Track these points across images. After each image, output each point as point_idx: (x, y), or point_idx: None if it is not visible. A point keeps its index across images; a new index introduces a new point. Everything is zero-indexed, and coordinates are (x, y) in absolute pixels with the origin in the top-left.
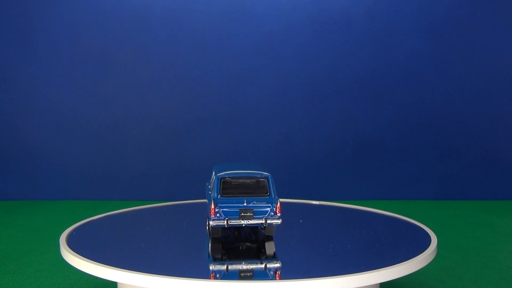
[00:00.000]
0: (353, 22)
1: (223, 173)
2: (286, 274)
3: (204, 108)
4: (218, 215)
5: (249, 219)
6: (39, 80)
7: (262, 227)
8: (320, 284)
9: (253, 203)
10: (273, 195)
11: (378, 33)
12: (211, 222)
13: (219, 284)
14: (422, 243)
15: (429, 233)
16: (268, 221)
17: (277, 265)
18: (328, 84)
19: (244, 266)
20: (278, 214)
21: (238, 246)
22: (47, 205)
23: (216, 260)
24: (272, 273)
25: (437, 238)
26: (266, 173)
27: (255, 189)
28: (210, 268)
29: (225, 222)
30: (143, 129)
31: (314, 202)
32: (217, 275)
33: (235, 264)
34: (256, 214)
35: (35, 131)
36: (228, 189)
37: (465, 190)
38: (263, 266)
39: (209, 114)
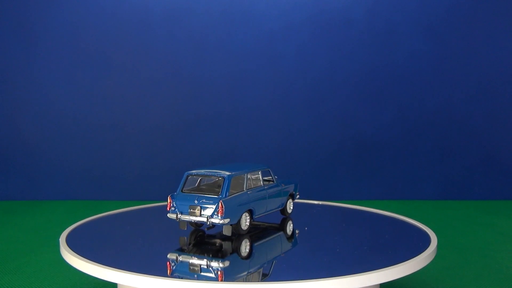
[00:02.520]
0: (353, 22)
1: (192, 170)
2: (287, 274)
3: (204, 108)
4: (172, 208)
5: (196, 216)
6: (39, 81)
7: (210, 225)
8: (320, 285)
9: (201, 201)
10: (222, 195)
11: (378, 33)
12: (167, 214)
13: (225, 286)
14: (422, 243)
15: (429, 233)
16: (210, 220)
17: (221, 265)
18: (328, 84)
19: (190, 260)
20: (220, 215)
21: (215, 242)
22: (47, 205)
23: (178, 251)
24: (214, 272)
25: (437, 238)
26: (228, 173)
27: (212, 188)
28: (168, 256)
29: (175, 216)
30: (143, 129)
31: (314, 202)
32: (172, 265)
33: (187, 257)
34: (203, 212)
35: (35, 131)
36: (191, 185)
37: (465, 190)
38: (205, 264)
39: (209, 114)
